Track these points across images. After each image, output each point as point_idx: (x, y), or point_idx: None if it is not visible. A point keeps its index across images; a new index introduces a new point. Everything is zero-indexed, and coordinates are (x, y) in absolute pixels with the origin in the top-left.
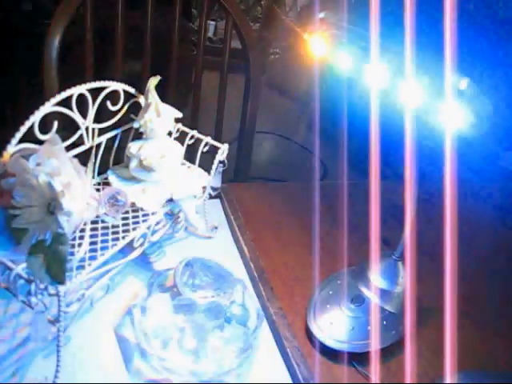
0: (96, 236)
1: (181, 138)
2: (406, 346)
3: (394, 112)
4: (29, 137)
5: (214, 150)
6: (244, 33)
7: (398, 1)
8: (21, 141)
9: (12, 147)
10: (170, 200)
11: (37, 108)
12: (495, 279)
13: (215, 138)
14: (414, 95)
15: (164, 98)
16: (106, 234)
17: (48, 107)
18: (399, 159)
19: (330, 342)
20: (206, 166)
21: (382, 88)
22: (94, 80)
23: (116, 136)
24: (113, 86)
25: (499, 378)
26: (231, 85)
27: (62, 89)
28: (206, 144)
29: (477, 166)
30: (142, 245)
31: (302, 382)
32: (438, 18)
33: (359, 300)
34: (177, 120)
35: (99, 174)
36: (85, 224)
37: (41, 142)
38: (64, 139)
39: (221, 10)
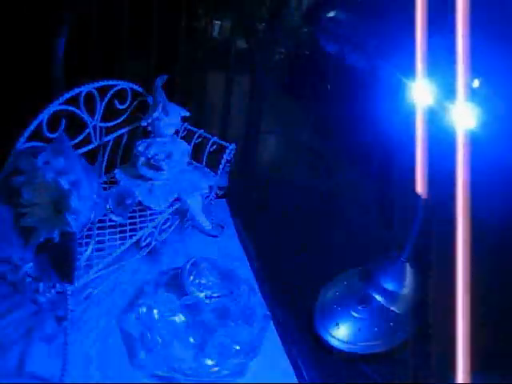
0: (103, 235)
1: (188, 137)
2: (413, 347)
3: (403, 111)
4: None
5: (220, 150)
6: (249, 32)
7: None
8: (29, 139)
9: (21, 145)
10: (177, 199)
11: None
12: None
13: (220, 138)
14: (425, 94)
15: (170, 97)
16: (114, 233)
17: (56, 105)
18: (407, 160)
19: (337, 343)
20: (212, 165)
21: (391, 88)
22: (101, 79)
23: (123, 135)
24: (120, 84)
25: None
26: (236, 85)
27: (67, 87)
28: (214, 143)
29: (487, 167)
30: (148, 244)
31: (308, 382)
32: (450, 17)
33: (366, 301)
34: (184, 119)
35: (106, 172)
36: (92, 223)
37: (49, 141)
38: (71, 138)
39: (226, 10)
